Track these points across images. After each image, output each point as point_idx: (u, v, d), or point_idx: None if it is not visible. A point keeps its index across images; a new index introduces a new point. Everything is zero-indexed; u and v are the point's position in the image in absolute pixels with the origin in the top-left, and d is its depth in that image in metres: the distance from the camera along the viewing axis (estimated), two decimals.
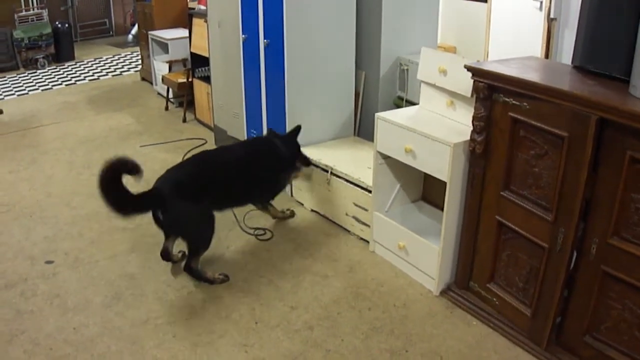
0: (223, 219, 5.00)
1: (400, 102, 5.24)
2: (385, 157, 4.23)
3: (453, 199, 3.74)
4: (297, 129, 4.80)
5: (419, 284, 4.11)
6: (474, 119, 3.45)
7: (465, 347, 3.50)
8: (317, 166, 4.95)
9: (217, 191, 4.23)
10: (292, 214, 5.11)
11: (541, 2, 6.03)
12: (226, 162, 4.42)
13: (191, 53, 7.76)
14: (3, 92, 9.82)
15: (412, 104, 4.89)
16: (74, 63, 11.87)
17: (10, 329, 3.72)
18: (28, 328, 3.73)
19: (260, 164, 4.53)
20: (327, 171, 4.86)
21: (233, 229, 4.89)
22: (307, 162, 4.91)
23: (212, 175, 4.26)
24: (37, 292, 4.11)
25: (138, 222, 4.91)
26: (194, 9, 7.78)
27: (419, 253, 4.07)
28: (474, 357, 3.42)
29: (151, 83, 9.54)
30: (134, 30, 12.84)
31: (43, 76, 10.86)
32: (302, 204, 5.29)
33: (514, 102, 3.21)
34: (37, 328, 3.73)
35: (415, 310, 3.85)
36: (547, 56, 6.04)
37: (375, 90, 5.38)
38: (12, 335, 3.67)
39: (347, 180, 4.70)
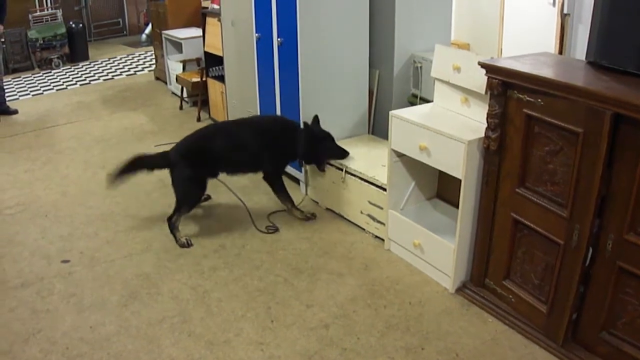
0: (238, 218, 5.03)
1: (415, 100, 5.23)
2: (400, 155, 4.23)
3: (468, 196, 3.73)
4: (315, 119, 4.93)
5: (435, 281, 4.11)
6: (489, 115, 3.44)
7: (481, 344, 3.50)
8: (331, 165, 4.96)
9: (219, 162, 4.88)
10: (308, 217, 5.09)
11: None
12: (231, 138, 4.89)
13: (205, 52, 7.78)
14: (18, 92, 9.88)
15: (427, 101, 4.88)
16: (88, 63, 11.93)
17: (26, 328, 3.74)
18: (44, 327, 3.76)
19: (260, 145, 4.83)
20: (341, 169, 4.86)
21: (249, 229, 4.90)
22: (338, 154, 4.94)
23: (215, 148, 4.83)
24: (54, 291, 4.14)
25: (153, 221, 4.94)
26: (207, 8, 7.80)
27: (435, 251, 4.07)
28: (489, 354, 3.42)
29: (165, 82, 9.56)
30: (148, 29, 12.89)
31: (58, 76, 10.92)
32: (317, 202, 5.29)
33: (528, 98, 3.21)
34: (53, 327, 3.75)
35: (430, 308, 3.84)
36: (560, 52, 6.03)
37: (389, 88, 5.38)
38: (29, 334, 3.69)
39: (361, 179, 4.69)
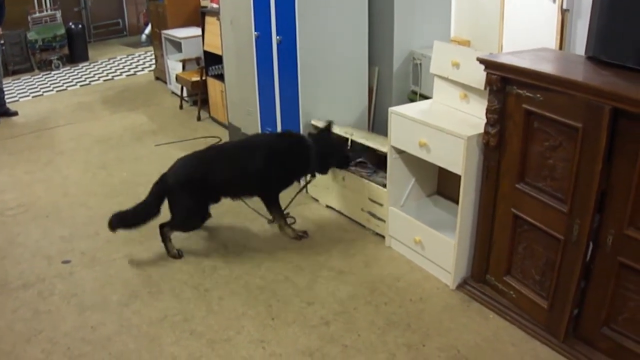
0: (240, 218, 5.03)
1: (414, 97, 5.22)
2: (400, 152, 4.23)
3: (468, 192, 3.73)
4: (329, 128, 4.72)
5: (435, 278, 4.11)
6: (488, 111, 3.44)
7: (482, 340, 3.50)
8: None
9: (215, 187, 4.52)
10: (300, 236, 4.78)
11: None
12: (228, 161, 4.57)
13: (204, 51, 7.78)
14: (18, 93, 9.88)
15: (426, 98, 4.87)
16: (88, 64, 11.92)
17: (28, 329, 3.75)
18: (46, 327, 3.76)
19: (261, 167, 4.48)
20: None
21: (250, 228, 4.91)
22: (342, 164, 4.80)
23: (211, 173, 4.48)
24: (55, 292, 4.14)
25: (154, 221, 4.93)
26: (206, 7, 7.80)
27: (435, 247, 4.07)
28: (491, 350, 3.42)
29: (165, 82, 9.56)
30: (147, 29, 12.86)
31: (57, 77, 10.92)
32: (317, 200, 5.29)
33: (527, 94, 3.20)
34: (54, 327, 3.76)
35: (431, 305, 3.85)
36: (560, 47, 6.01)
37: (388, 85, 5.37)
38: (31, 334, 3.70)
39: (361, 176, 4.69)
